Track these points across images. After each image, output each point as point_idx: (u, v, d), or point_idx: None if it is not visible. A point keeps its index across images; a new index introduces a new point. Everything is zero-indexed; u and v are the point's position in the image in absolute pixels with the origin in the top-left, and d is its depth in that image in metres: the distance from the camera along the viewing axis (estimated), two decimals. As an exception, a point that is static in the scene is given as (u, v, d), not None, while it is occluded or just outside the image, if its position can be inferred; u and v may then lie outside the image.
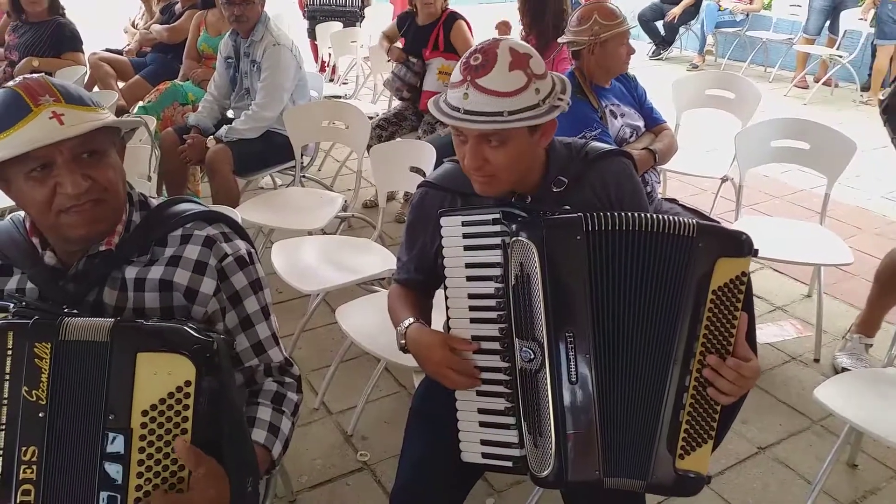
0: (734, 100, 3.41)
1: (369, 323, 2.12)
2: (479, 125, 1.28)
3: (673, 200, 2.56)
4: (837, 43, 6.49)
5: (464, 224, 1.32)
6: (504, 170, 1.34)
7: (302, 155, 3.26)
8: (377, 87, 4.93)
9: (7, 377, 0.95)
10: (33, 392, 0.95)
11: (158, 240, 1.16)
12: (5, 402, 0.95)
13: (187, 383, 0.94)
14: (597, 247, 1.24)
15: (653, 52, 8.07)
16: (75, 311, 1.04)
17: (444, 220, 1.34)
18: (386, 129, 3.70)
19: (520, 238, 1.24)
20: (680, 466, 1.22)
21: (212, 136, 3.16)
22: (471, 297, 1.31)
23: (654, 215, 1.25)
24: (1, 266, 1.15)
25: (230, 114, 3.43)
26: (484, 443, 1.30)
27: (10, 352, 0.96)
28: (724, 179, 3.26)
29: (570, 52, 2.46)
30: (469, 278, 1.32)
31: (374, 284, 2.55)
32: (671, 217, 1.24)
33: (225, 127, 3.16)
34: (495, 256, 1.28)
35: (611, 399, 1.23)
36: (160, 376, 0.94)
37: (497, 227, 1.29)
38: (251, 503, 1.03)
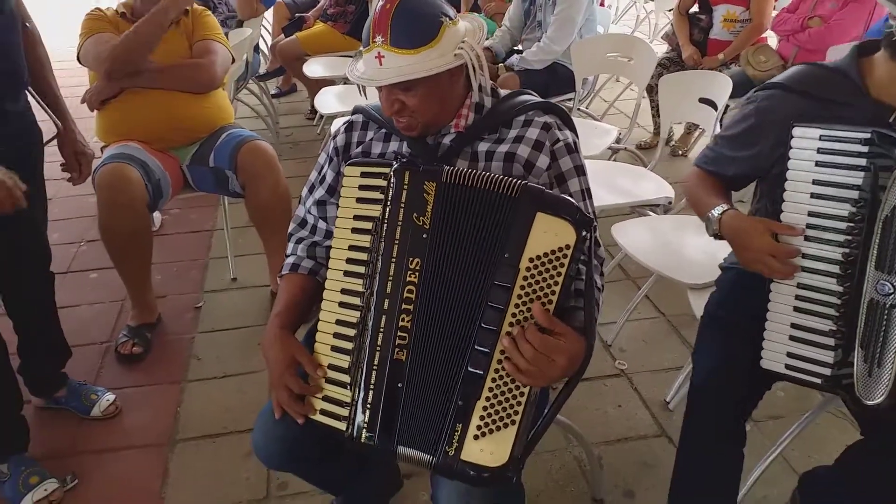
0: None
1: (643, 242, 2.22)
2: None
3: None
4: None
5: (821, 138, 1.24)
6: None
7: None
8: (655, 28, 4.86)
9: (402, 205, 1.23)
10: (420, 218, 1.22)
11: (505, 122, 1.38)
12: (400, 223, 1.23)
13: (567, 246, 1.11)
14: None
15: None
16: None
17: (797, 131, 1.26)
18: (668, 69, 3.67)
19: None
20: None
21: (502, 64, 3.42)
22: (811, 214, 1.27)
23: None
24: (385, 133, 1.46)
25: (518, 46, 3.66)
26: (790, 355, 1.30)
27: (405, 187, 1.24)
28: None
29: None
30: (814, 195, 1.26)
31: (647, 209, 2.63)
32: None
33: (515, 56, 3.39)
34: (854, 178, 1.21)
35: None
36: (549, 235, 1.12)
37: (865, 148, 1.19)
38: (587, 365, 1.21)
